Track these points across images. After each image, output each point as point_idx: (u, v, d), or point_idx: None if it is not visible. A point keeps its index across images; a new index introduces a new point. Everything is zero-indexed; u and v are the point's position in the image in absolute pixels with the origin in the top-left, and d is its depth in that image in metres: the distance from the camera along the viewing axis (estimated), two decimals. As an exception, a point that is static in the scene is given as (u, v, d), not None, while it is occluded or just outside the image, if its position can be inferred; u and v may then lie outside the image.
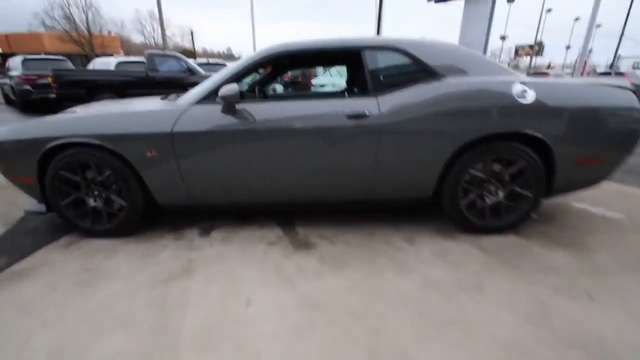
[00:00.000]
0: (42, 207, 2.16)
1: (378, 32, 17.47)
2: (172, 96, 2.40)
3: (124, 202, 2.10)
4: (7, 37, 27.64)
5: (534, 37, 37.70)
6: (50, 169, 2.01)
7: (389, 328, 1.39)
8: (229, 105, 1.90)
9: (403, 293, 1.61)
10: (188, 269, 1.82)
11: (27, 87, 8.49)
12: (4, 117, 8.13)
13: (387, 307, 1.51)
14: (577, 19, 42.92)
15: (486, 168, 2.03)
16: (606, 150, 2.02)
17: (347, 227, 2.28)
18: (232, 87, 1.85)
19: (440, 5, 14.14)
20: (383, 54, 2.01)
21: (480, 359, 1.23)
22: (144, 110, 2.00)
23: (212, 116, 1.94)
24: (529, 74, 18.87)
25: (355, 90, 2.68)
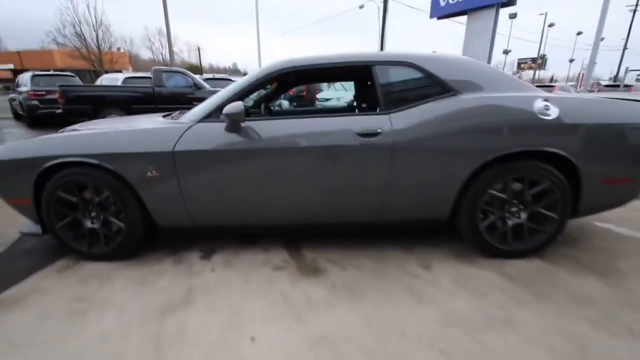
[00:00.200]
0: (37, 229, 2.06)
1: (381, 47, 17.66)
2: (176, 114, 2.32)
3: (122, 224, 1.99)
4: (20, 54, 28.46)
5: (537, 51, 37.93)
6: (47, 189, 1.92)
7: (410, 372, 1.23)
8: (234, 123, 1.81)
9: (423, 329, 1.45)
10: (187, 298, 1.68)
11: (35, 102, 8.60)
12: (11, 132, 8.19)
13: (406, 345, 1.36)
14: (579, 33, 43.24)
15: (507, 188, 1.89)
16: (636, 169, 1.88)
17: (358, 250, 2.14)
18: (237, 105, 1.76)
19: (443, 20, 14.37)
20: (395, 69, 1.92)
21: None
22: (145, 129, 1.91)
23: (216, 134, 1.85)
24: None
25: (366, 106, 2.58)
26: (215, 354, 1.32)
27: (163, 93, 7.41)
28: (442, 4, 13.59)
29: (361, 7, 21.82)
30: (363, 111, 2.07)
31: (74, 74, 9.89)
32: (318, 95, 9.44)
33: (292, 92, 9.56)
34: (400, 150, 1.80)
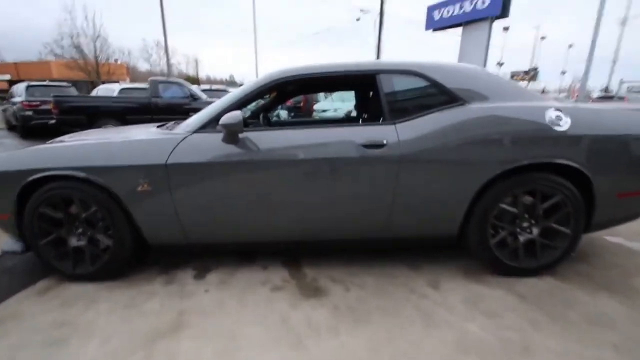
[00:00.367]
0: (19, 246, 1.93)
1: (378, 58, 17.83)
2: (170, 124, 2.22)
3: (110, 242, 1.87)
4: (16, 65, 28.38)
5: (529, 62, 38.69)
6: (30, 204, 1.79)
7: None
8: (231, 134, 1.71)
9: (435, 355, 1.33)
10: (178, 323, 1.55)
11: (29, 113, 8.47)
12: (3, 142, 8.03)
13: (418, 377, 1.24)
14: (570, 45, 44.28)
15: (519, 202, 1.80)
16: (652, 181, 1.81)
17: (361, 268, 2.02)
18: (235, 115, 1.66)
19: (439, 33, 14.61)
20: (400, 78, 1.84)
21: None
22: (136, 140, 1.81)
23: (213, 146, 1.75)
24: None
25: (369, 116, 2.50)
26: (208, 390, 1.19)
27: (159, 104, 7.33)
28: (437, 17, 13.85)
29: (358, 19, 22.19)
30: (365, 121, 1.98)
31: (70, 85, 9.80)
32: (315, 107, 9.40)
33: (290, 102, 9.53)
34: (407, 163, 1.71)
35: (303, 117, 7.80)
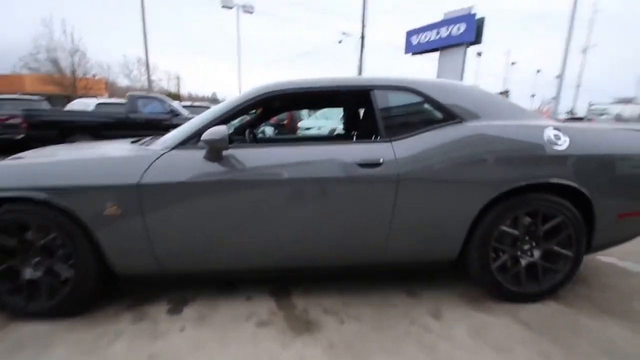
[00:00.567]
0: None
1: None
2: (147, 139, 2.04)
3: (71, 272, 1.63)
4: (-15, 79, 27.12)
5: (501, 85, 40.91)
6: (-24, 230, 1.55)
7: None
8: (215, 151, 1.56)
9: (446, 403, 1.18)
10: (148, 371, 1.33)
11: (-4, 127, 7.95)
12: (-38, 159, 7.43)
13: None
14: (538, 71, 47.24)
15: (519, 224, 1.72)
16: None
17: (356, 296, 1.86)
18: (219, 130, 1.52)
19: (417, 56, 15.21)
20: (395, 94, 1.77)
21: None
22: (106, 157, 1.62)
23: (193, 164, 1.58)
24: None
25: (362, 134, 2.40)
26: None
27: (137, 119, 7.06)
28: (415, 42, 14.47)
29: (340, 42, 22.79)
30: (363, 139, 1.87)
31: (42, 98, 9.35)
32: (299, 124, 9.33)
33: (273, 120, 9.42)
34: (405, 182, 1.60)
35: (285, 135, 7.71)
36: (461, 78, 12.60)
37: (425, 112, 1.77)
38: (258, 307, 1.77)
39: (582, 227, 1.73)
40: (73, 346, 1.47)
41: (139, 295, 1.89)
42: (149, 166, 1.56)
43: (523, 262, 1.77)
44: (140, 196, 1.54)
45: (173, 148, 1.63)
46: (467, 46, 12.72)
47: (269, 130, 8.35)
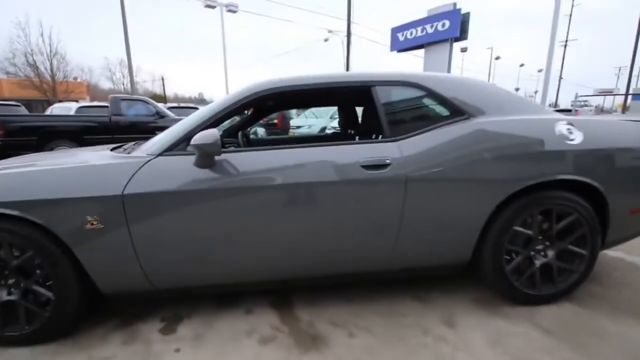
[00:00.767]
0: None
1: (349, 76, 18.07)
2: (129, 145, 1.88)
3: (51, 294, 1.47)
4: (-39, 84, 25.96)
5: (487, 81, 41.51)
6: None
7: None
8: (206, 157, 1.42)
9: None
10: (141, 404, 1.19)
11: (-31, 135, 7.56)
12: None
13: None
14: (522, 65, 48.07)
15: (533, 223, 1.64)
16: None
17: (364, 305, 1.75)
18: (211, 134, 1.38)
19: (402, 54, 15.18)
20: (398, 90, 1.66)
21: None
22: (85, 166, 1.46)
23: (183, 171, 1.44)
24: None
25: (362, 133, 2.28)
26: None
27: (121, 122, 6.79)
28: (401, 39, 14.43)
29: (326, 40, 22.64)
30: (367, 139, 1.76)
31: (19, 104, 8.95)
32: (291, 123, 9.14)
33: (263, 120, 9.23)
34: (414, 184, 1.49)
35: (281, 136, 7.52)
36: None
37: (431, 108, 1.67)
38: (259, 322, 1.64)
39: (596, 224, 1.66)
40: (54, 378, 1.32)
41: (129, 312, 1.74)
42: (133, 175, 1.41)
43: (537, 263, 1.69)
44: (123, 208, 1.39)
45: (159, 154, 1.48)
46: (453, 41, 12.75)
47: (260, 131, 8.14)
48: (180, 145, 1.52)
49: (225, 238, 1.49)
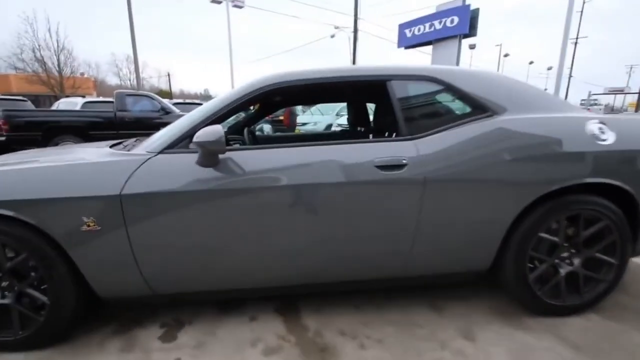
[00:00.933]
0: None
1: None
2: (129, 142, 1.79)
3: (45, 298, 1.40)
4: (-29, 80, 26.24)
5: (496, 78, 40.88)
6: None
7: None
8: (209, 155, 1.33)
9: None
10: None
11: (-25, 130, 7.58)
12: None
13: None
14: (531, 62, 47.33)
15: (560, 229, 1.52)
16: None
17: (376, 314, 1.65)
18: (214, 130, 1.28)
19: (409, 51, 14.95)
20: (416, 85, 1.55)
21: None
22: (81, 164, 1.37)
23: (184, 170, 1.35)
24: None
25: (377, 131, 2.16)
26: None
27: (126, 118, 6.75)
28: (409, 35, 14.20)
29: (332, 36, 22.43)
30: (381, 137, 1.65)
31: (25, 99, 8.95)
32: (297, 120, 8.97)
33: (269, 116, 9.08)
34: (433, 186, 1.38)
35: (288, 133, 7.36)
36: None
37: (451, 105, 1.55)
38: (264, 330, 1.55)
39: (627, 231, 1.54)
40: (47, 389, 1.24)
41: (127, 316, 1.66)
42: (131, 173, 1.32)
43: (562, 271, 1.57)
44: (121, 209, 1.30)
45: (160, 152, 1.39)
46: (461, 38, 12.51)
47: (266, 128, 8.01)
48: (182, 142, 1.42)
49: (229, 242, 1.40)
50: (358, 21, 17.37)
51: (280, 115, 8.61)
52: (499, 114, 1.49)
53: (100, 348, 1.46)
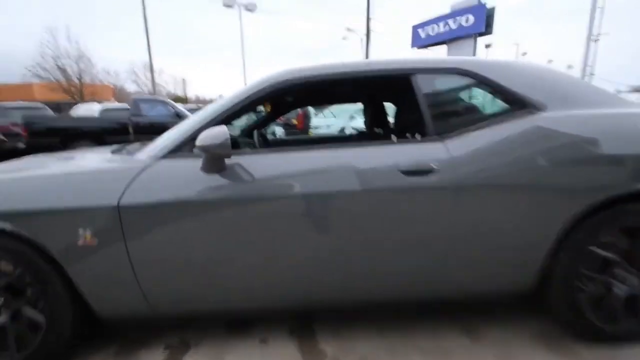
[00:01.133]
0: None
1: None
2: (132, 146, 1.69)
3: (41, 318, 1.29)
4: (-2, 89, 27.47)
5: (513, 78, 39.78)
6: None
7: None
8: (214, 160, 1.19)
9: None
10: None
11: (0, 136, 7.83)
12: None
13: None
14: (550, 61, 45.86)
15: (614, 244, 1.31)
16: None
17: (399, 339, 1.46)
18: (219, 132, 1.15)
19: (423, 51, 14.67)
20: (445, 79, 1.38)
21: None
22: (77, 172, 1.26)
23: (188, 177, 1.22)
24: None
25: (400, 130, 1.97)
26: None
27: (140, 123, 6.81)
28: (423, 35, 13.96)
29: (344, 38, 22.33)
30: (406, 138, 1.48)
31: (43, 106, 9.21)
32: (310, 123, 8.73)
33: (280, 119, 8.93)
34: (466, 193, 1.21)
35: (302, 136, 7.14)
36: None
37: (485, 100, 1.37)
38: (276, 355, 1.39)
39: (695, 245, 1.31)
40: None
41: (130, 336, 1.54)
42: (130, 182, 1.20)
43: (619, 292, 1.36)
44: (120, 221, 1.18)
45: (162, 157, 1.27)
46: (477, 37, 12.20)
47: (278, 131, 7.87)
48: (185, 146, 1.30)
49: (237, 257, 1.26)
50: (370, 22, 17.18)
51: (293, 118, 8.45)
52: (542, 110, 1.30)
53: (99, 371, 1.34)
